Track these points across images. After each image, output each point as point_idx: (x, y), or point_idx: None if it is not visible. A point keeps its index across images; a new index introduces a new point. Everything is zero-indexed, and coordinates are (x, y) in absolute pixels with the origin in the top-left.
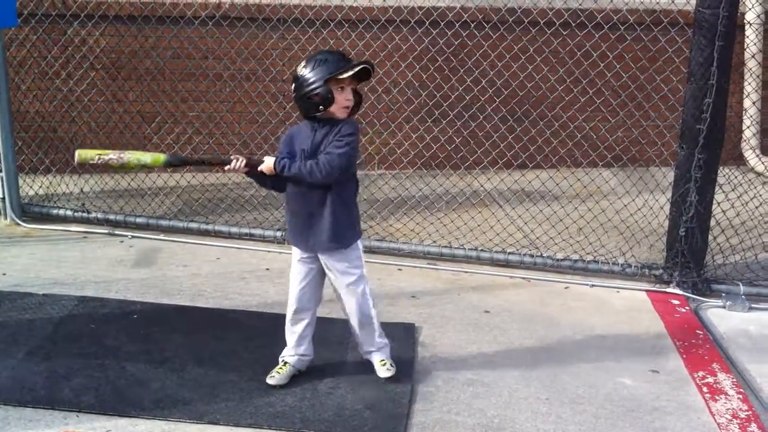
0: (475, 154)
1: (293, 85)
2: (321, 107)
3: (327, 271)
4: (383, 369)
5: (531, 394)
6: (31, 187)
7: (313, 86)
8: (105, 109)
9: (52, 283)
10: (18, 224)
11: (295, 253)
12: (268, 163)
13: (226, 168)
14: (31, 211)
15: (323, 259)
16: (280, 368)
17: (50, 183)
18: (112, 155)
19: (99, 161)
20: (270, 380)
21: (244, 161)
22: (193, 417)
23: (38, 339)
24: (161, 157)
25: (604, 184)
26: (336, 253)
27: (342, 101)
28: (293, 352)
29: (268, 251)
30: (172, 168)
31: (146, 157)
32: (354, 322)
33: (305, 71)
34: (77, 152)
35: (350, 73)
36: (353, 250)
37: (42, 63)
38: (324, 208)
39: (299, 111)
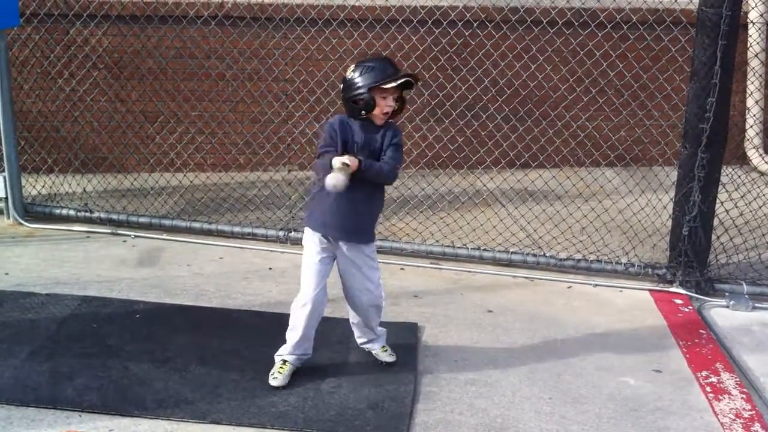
0: (477, 154)
1: (341, 86)
2: (363, 112)
3: (348, 264)
4: (386, 354)
5: (534, 393)
6: (33, 186)
7: (358, 91)
8: (107, 109)
9: (54, 283)
10: (21, 224)
11: (316, 251)
12: (354, 163)
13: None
14: (33, 211)
15: (351, 250)
16: (281, 368)
17: (53, 183)
18: None
19: None
20: (273, 381)
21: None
22: (196, 417)
23: (41, 339)
24: None
25: (607, 183)
26: (365, 245)
27: (383, 107)
28: (292, 350)
29: (271, 251)
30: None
31: None
32: (366, 309)
33: (353, 75)
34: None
35: (393, 84)
36: (374, 242)
37: (44, 63)
38: (370, 201)
39: (345, 110)
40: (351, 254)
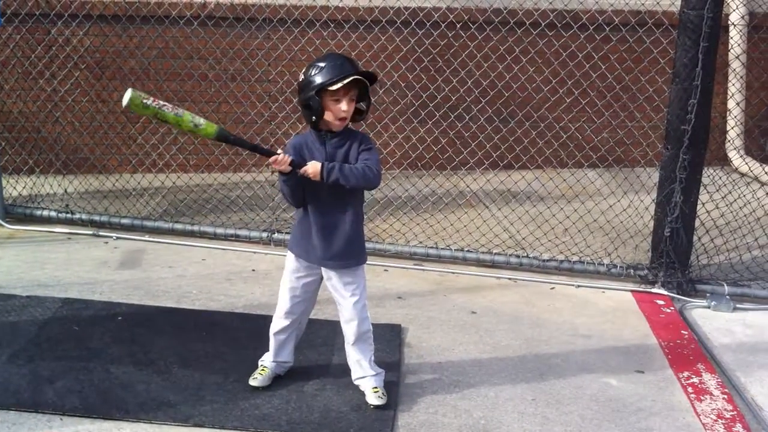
0: (461, 155)
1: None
2: (313, 117)
3: (331, 288)
4: (375, 396)
5: (517, 394)
6: (14, 188)
7: (308, 95)
8: (89, 109)
9: (35, 285)
10: (1, 225)
11: (293, 267)
12: (314, 167)
13: (271, 159)
14: (14, 212)
15: (331, 274)
16: (261, 371)
17: (34, 184)
18: (167, 105)
19: (154, 104)
20: (253, 382)
21: (290, 159)
22: (179, 419)
23: (22, 341)
24: (214, 127)
25: (589, 184)
26: (349, 269)
27: (337, 112)
28: (272, 358)
29: (254, 252)
30: (220, 140)
31: (200, 120)
32: (350, 336)
33: (304, 76)
34: (130, 92)
35: (338, 85)
36: (362, 268)
37: (26, 63)
38: (346, 222)
39: (303, 118)
40: (336, 279)
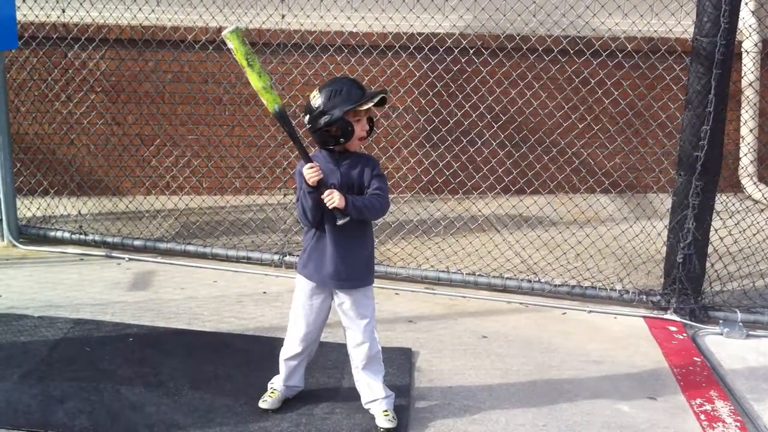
0: (473, 179)
1: (306, 116)
2: (342, 140)
3: (342, 313)
4: (385, 419)
5: (528, 420)
6: (28, 208)
7: (332, 118)
8: (104, 132)
9: (47, 306)
10: (15, 246)
11: (306, 292)
12: (342, 198)
13: (305, 166)
14: (28, 233)
15: (344, 298)
16: (271, 393)
17: (48, 205)
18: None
19: (244, 42)
20: (262, 404)
21: (321, 176)
22: None
23: (33, 362)
24: (279, 102)
25: (601, 210)
26: (360, 290)
27: (359, 132)
28: (283, 382)
29: (266, 275)
30: (276, 119)
31: (270, 84)
32: (360, 361)
33: (320, 101)
34: (235, 25)
35: (370, 104)
36: (372, 288)
37: (42, 85)
38: (362, 242)
39: (315, 142)
40: (346, 300)
